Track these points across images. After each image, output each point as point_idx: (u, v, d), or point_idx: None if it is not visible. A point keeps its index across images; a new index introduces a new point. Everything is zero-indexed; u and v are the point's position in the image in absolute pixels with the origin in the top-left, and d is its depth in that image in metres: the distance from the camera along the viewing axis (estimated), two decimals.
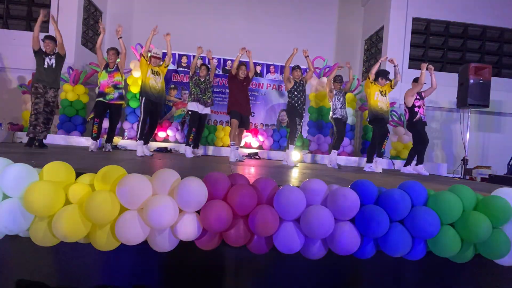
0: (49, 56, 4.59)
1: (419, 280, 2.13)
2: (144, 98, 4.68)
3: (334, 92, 5.25)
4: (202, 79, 5.21)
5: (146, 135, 4.88)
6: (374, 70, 4.99)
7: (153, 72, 4.74)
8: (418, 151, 5.28)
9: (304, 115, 5.13)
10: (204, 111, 5.22)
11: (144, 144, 4.77)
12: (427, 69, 5.08)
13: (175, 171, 1.87)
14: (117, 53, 4.93)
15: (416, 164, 5.31)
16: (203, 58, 7.62)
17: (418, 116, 5.15)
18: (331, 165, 5.13)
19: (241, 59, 5.10)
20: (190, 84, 5.21)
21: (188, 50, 7.70)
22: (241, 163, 4.60)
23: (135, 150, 4.71)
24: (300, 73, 5.03)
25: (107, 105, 4.89)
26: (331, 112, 5.28)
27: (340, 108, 5.21)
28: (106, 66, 4.92)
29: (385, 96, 5.00)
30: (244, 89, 5.16)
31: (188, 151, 5.05)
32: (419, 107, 5.15)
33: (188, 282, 2.02)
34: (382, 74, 5.02)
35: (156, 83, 4.76)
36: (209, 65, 5.36)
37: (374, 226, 1.79)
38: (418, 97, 5.16)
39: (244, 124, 5.21)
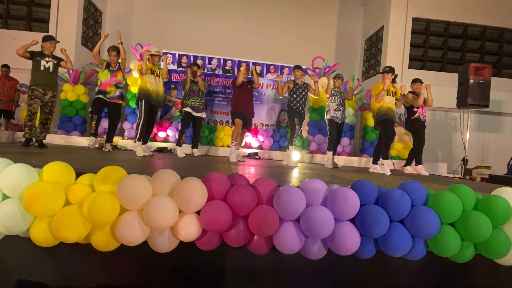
0: (46, 58, 4.49)
1: (419, 280, 2.13)
2: (143, 100, 4.58)
3: (332, 92, 5.23)
4: (196, 80, 5.23)
5: (144, 136, 4.80)
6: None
7: (152, 73, 4.67)
8: (416, 151, 5.27)
9: (305, 116, 5.14)
10: (198, 114, 5.24)
11: (143, 144, 4.72)
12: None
13: (175, 172, 1.86)
14: (118, 52, 4.90)
15: (416, 165, 5.30)
16: (203, 58, 7.63)
17: (416, 115, 5.15)
18: (327, 165, 5.15)
19: (242, 59, 5.11)
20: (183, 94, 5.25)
21: (188, 50, 7.70)
22: (241, 163, 4.60)
23: (135, 151, 4.69)
24: (300, 73, 5.02)
25: (105, 103, 4.88)
26: (325, 112, 5.30)
27: (335, 109, 5.19)
28: (108, 65, 4.93)
29: (392, 96, 4.83)
30: (249, 91, 5.17)
31: (179, 151, 5.06)
32: (418, 107, 5.15)
33: (188, 282, 2.02)
34: (384, 70, 4.92)
35: (156, 85, 4.70)
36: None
37: (374, 226, 1.79)
38: (417, 97, 5.16)
39: (246, 125, 5.23)
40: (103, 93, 4.84)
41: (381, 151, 4.89)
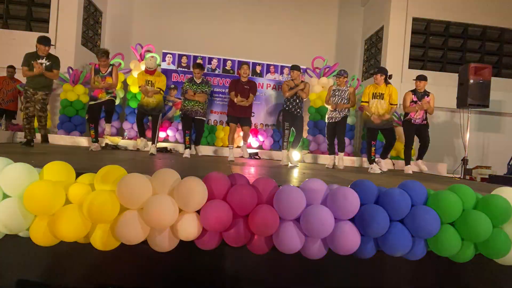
0: (39, 60, 4.48)
1: (420, 280, 2.12)
2: (137, 110, 5.26)
3: (331, 93, 5.21)
4: (199, 81, 5.23)
5: (152, 136, 5.16)
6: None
7: (147, 83, 4.94)
8: (404, 151, 5.32)
9: (302, 117, 5.10)
10: (198, 116, 5.25)
11: (152, 143, 5.07)
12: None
13: (175, 171, 1.87)
14: (108, 56, 4.93)
15: (405, 164, 5.34)
16: (203, 58, 7.63)
17: (408, 117, 5.13)
18: (327, 166, 5.17)
19: (242, 59, 5.11)
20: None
21: (187, 50, 7.69)
22: (241, 163, 4.59)
23: (135, 150, 5.11)
24: (297, 74, 4.93)
25: (99, 105, 4.99)
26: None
27: (331, 111, 5.17)
28: (97, 71, 4.92)
29: (381, 99, 4.76)
30: (245, 91, 5.13)
31: (186, 152, 5.11)
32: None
33: (188, 282, 2.01)
34: (375, 71, 4.92)
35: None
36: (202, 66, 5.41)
37: (374, 226, 1.79)
38: (414, 99, 5.11)
39: (243, 125, 5.22)
40: (95, 99, 4.96)
41: (384, 151, 5.08)
